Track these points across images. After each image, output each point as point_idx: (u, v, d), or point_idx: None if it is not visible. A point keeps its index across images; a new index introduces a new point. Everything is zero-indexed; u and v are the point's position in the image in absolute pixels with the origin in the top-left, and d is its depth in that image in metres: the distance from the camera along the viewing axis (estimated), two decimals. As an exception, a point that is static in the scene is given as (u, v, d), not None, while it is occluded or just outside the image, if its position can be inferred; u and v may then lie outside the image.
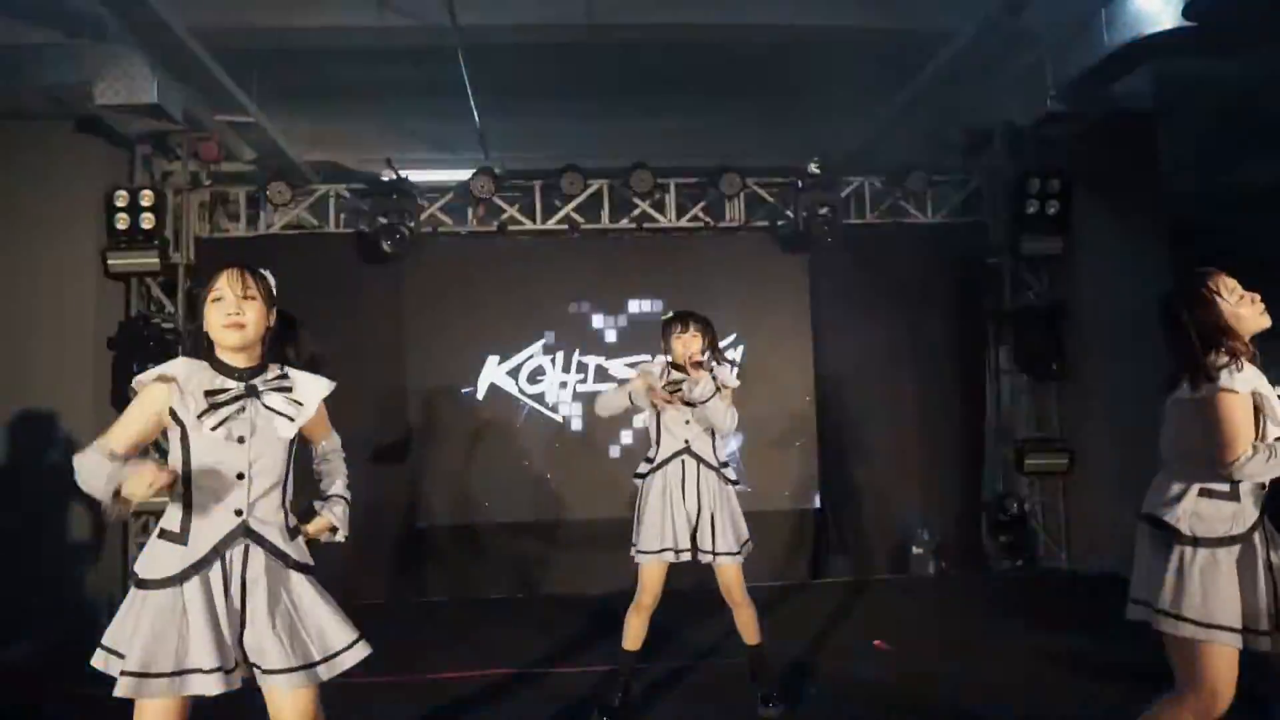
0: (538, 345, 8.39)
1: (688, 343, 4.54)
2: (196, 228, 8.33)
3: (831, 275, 8.56)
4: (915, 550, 8.47)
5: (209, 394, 2.82)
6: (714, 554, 4.43)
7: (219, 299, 2.88)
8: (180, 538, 2.77)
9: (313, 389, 3.02)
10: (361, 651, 2.88)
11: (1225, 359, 3.03)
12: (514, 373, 8.37)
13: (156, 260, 7.66)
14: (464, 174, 8.44)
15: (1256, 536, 3.02)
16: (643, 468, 4.61)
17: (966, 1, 6.58)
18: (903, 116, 8.27)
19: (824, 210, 8.17)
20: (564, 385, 8.39)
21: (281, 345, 3.10)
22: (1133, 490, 3.26)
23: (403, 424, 8.24)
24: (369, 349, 8.21)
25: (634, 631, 4.59)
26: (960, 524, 8.64)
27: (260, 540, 2.81)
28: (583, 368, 8.39)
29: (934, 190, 8.85)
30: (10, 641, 6.20)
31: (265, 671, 2.75)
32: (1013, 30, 6.94)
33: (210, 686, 2.67)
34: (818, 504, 8.49)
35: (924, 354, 8.60)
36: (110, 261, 7.61)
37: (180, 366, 2.87)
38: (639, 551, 4.46)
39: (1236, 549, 2.99)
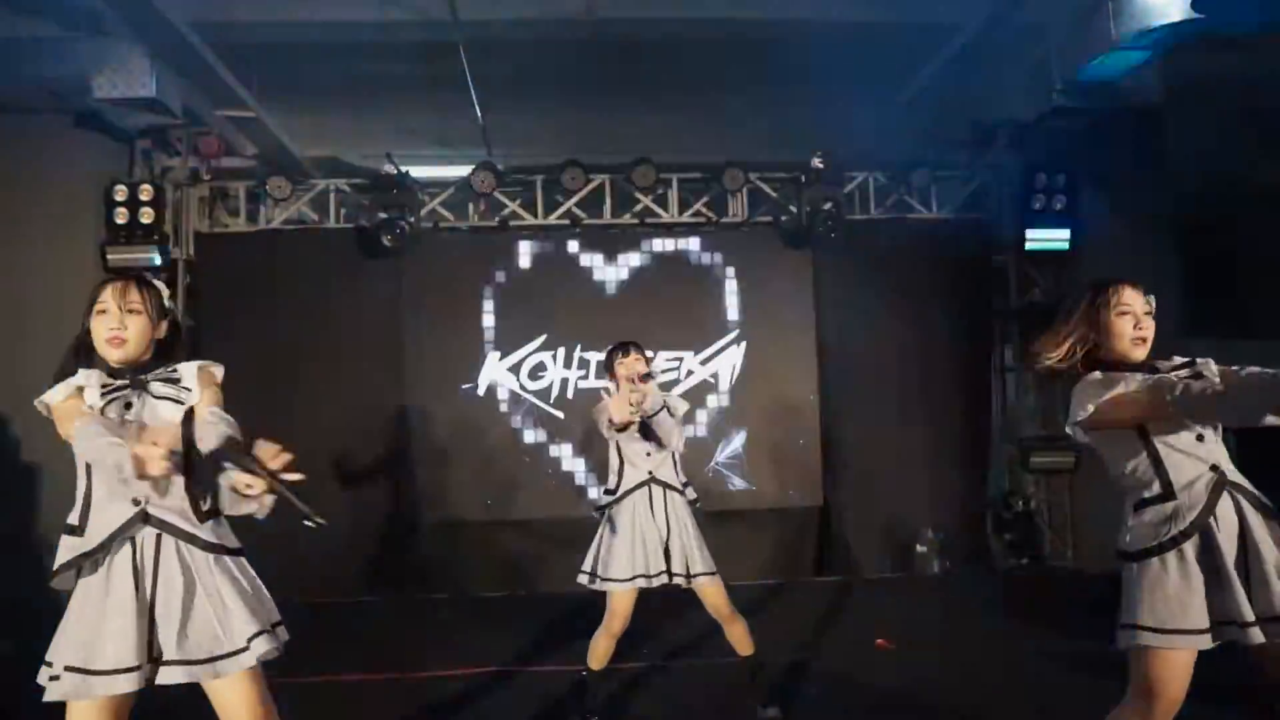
0: (539, 341, 8.38)
1: (631, 365, 4.55)
2: (196, 223, 8.33)
3: (835, 271, 8.53)
4: (919, 549, 8.44)
5: (103, 391, 2.84)
6: (689, 576, 4.44)
7: (103, 311, 2.88)
8: (78, 530, 2.76)
9: (192, 370, 2.98)
10: (282, 635, 2.86)
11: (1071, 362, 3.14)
12: (515, 369, 8.36)
13: (156, 255, 7.65)
14: (466, 169, 8.42)
15: (1215, 522, 2.91)
16: (603, 499, 4.62)
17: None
18: (907, 111, 8.23)
19: (827, 206, 8.15)
20: (565, 381, 8.37)
21: (178, 356, 3.04)
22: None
23: (402, 421, 8.23)
24: (368, 345, 8.20)
25: (601, 652, 4.61)
26: (965, 522, 8.61)
27: (166, 527, 2.78)
28: (584, 364, 8.37)
29: (938, 186, 8.82)
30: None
31: (197, 663, 2.71)
32: (1018, 24, 6.91)
33: (119, 686, 2.64)
34: (821, 501, 8.46)
35: (928, 350, 8.57)
36: (109, 256, 7.59)
37: (82, 377, 2.86)
38: (607, 579, 4.43)
39: (1190, 545, 2.91)
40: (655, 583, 4.43)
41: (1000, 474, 8.84)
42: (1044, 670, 5.37)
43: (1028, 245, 8.48)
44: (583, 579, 4.53)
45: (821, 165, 8.15)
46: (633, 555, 4.41)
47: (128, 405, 2.84)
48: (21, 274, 7.35)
